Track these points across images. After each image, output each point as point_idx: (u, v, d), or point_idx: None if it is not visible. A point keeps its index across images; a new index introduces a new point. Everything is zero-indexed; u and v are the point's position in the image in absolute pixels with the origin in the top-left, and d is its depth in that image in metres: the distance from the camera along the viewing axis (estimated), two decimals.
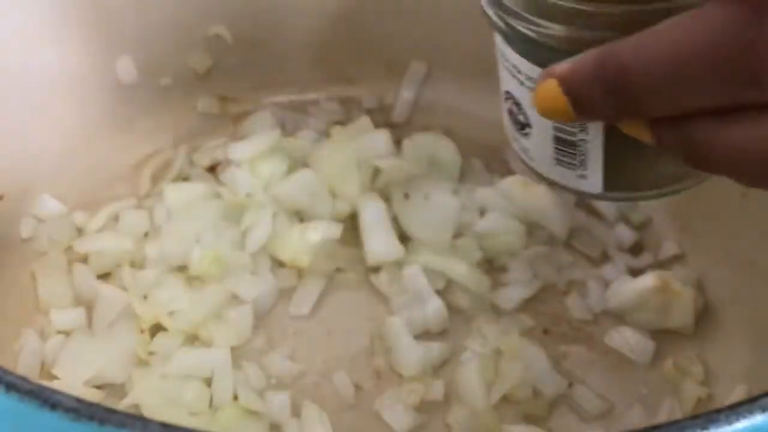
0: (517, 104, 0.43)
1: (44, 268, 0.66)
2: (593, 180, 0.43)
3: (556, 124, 0.41)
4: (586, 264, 0.69)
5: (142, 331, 0.61)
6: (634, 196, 0.46)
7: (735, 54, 0.31)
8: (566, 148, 0.42)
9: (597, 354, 0.64)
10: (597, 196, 0.44)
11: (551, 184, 0.46)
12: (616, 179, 0.43)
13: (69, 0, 0.67)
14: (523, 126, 0.44)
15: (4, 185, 0.66)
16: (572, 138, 0.42)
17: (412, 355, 0.61)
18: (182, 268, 0.64)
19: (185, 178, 0.73)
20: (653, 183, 0.44)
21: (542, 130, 0.43)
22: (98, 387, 0.60)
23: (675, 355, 0.63)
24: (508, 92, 0.44)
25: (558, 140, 0.42)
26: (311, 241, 0.65)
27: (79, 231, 0.69)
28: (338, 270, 0.66)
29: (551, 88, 0.36)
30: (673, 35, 0.33)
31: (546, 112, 0.38)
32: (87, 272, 0.66)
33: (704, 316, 0.64)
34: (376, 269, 0.66)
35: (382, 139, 0.72)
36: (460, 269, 0.65)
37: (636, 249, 0.70)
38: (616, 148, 0.41)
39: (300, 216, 0.68)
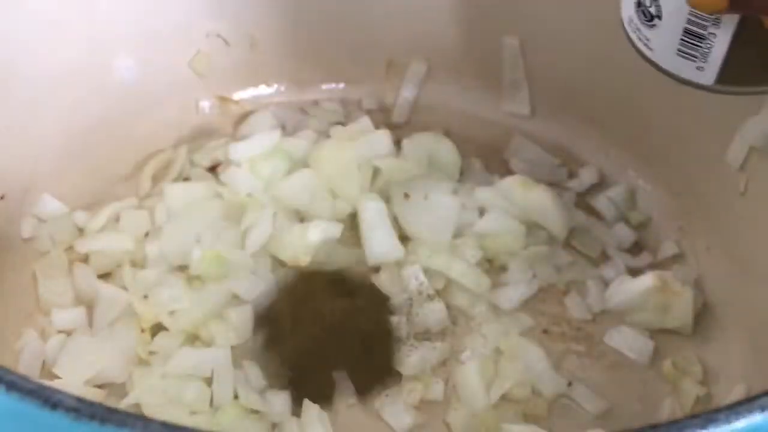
0: None
1: (45, 267, 0.66)
2: (709, 72, 0.47)
3: (690, 17, 0.45)
4: (585, 264, 0.69)
5: (142, 331, 0.61)
6: (743, 90, 0.48)
7: None
8: (693, 41, 0.46)
9: (596, 353, 0.64)
10: (706, 88, 0.48)
11: (665, 73, 0.49)
12: (732, 72, 0.46)
13: (70, 1, 0.67)
14: (651, 17, 0.47)
15: (6, 185, 0.66)
16: (703, 31, 0.45)
17: (412, 354, 0.61)
18: (183, 268, 0.64)
19: (186, 178, 0.73)
20: (763, 78, 0.47)
21: (673, 21, 0.46)
22: (99, 386, 0.60)
23: (674, 355, 0.63)
24: None
25: (687, 32, 0.46)
26: (311, 241, 0.65)
27: (80, 231, 0.69)
28: (338, 270, 0.66)
29: None
30: None
31: (698, 2, 0.41)
32: (88, 272, 0.66)
33: (703, 315, 0.64)
34: (376, 269, 0.66)
35: (382, 139, 0.72)
36: (460, 269, 0.65)
37: (635, 249, 0.70)
38: (742, 44, 0.45)
39: (300, 216, 0.69)
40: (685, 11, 0.45)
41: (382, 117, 0.79)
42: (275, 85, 0.80)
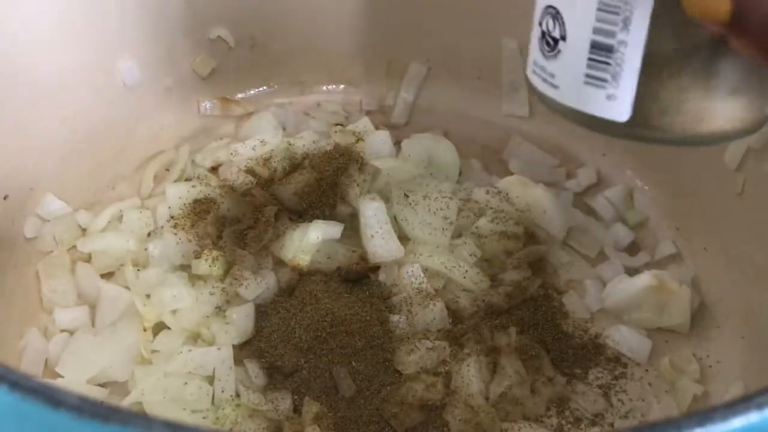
0: (556, 17, 0.42)
1: (48, 267, 0.67)
2: (623, 102, 0.41)
3: (596, 24, 0.40)
4: (583, 263, 0.69)
5: (144, 330, 0.62)
6: (661, 134, 0.42)
7: None
8: (602, 57, 0.41)
9: (594, 352, 0.64)
10: (622, 130, 0.42)
11: (575, 117, 0.43)
12: (648, 103, 0.41)
13: (73, 3, 0.68)
14: (555, 43, 0.43)
15: (9, 185, 0.66)
16: (611, 40, 0.40)
17: (412, 354, 0.62)
18: (185, 267, 0.65)
19: (188, 179, 0.73)
20: (687, 118, 0.41)
21: (579, 38, 0.41)
22: (101, 385, 0.61)
23: (671, 354, 0.63)
24: (549, 6, 0.43)
25: (594, 46, 0.41)
26: (311, 241, 0.65)
27: (83, 230, 0.69)
28: (338, 269, 0.67)
29: None
30: None
31: (696, 7, 0.37)
32: (90, 271, 0.66)
33: (700, 314, 0.65)
34: (375, 269, 0.67)
35: (382, 139, 0.72)
36: (459, 269, 0.66)
37: (633, 248, 0.71)
38: (657, 59, 0.40)
39: (301, 216, 0.69)
40: (591, 18, 0.40)
41: (382, 118, 0.80)
42: (276, 87, 0.81)
